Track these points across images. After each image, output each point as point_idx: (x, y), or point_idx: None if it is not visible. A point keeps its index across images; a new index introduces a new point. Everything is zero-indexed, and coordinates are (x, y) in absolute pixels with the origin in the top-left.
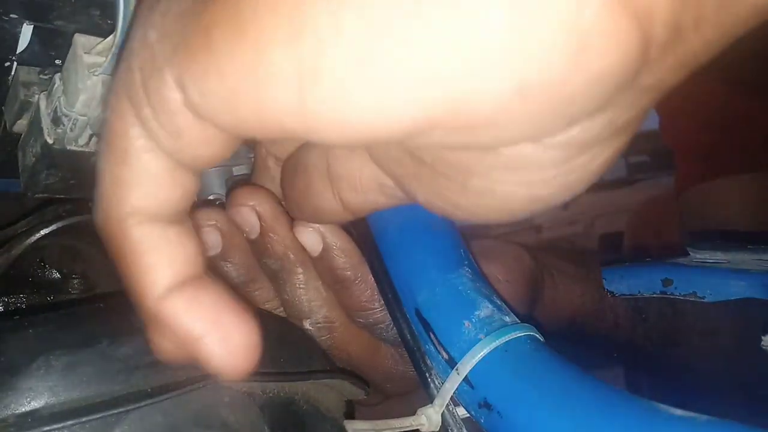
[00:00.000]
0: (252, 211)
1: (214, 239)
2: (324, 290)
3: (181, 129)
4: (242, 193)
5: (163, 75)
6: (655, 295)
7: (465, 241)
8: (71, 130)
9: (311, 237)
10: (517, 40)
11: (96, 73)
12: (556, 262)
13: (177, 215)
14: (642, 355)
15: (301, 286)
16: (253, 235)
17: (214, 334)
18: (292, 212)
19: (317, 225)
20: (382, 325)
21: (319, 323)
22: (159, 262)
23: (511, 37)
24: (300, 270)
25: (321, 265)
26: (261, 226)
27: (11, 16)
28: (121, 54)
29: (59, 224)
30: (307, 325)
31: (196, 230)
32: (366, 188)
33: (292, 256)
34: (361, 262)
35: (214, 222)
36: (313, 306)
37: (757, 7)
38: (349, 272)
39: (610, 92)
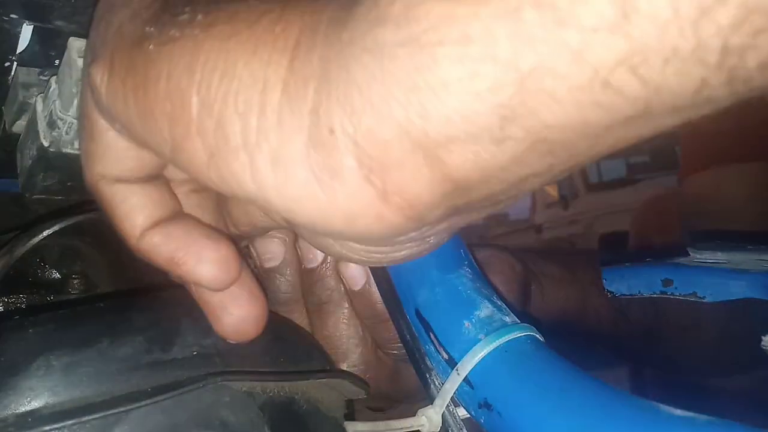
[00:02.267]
0: None
1: (277, 250)
2: (361, 329)
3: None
4: None
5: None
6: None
7: (465, 242)
8: (66, 133)
9: (357, 271)
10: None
11: None
12: (544, 266)
13: (141, 178)
14: (627, 352)
15: (345, 320)
16: (312, 264)
17: (189, 258)
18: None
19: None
20: None
21: (355, 365)
22: (129, 212)
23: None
24: (346, 304)
25: (360, 300)
26: (322, 256)
27: (11, 16)
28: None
29: (60, 224)
30: (343, 367)
31: (266, 240)
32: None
33: (342, 288)
34: None
35: (282, 236)
36: (351, 344)
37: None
38: None
39: (394, 238)
